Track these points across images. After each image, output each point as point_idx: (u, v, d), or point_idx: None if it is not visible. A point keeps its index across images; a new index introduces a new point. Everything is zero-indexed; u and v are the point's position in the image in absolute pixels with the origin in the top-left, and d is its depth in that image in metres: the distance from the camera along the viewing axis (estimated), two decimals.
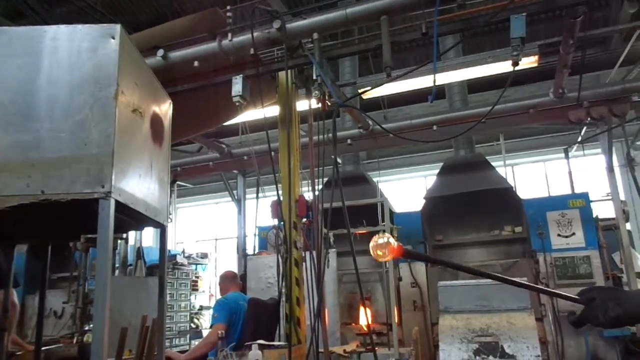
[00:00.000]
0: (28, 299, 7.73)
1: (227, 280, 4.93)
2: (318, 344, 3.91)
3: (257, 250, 7.90)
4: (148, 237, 10.33)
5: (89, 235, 5.52)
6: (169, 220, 7.90)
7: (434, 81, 3.64)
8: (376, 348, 4.12)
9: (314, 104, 4.38)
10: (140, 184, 1.91)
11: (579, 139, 7.85)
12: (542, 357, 4.24)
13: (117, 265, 8.40)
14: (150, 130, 2.00)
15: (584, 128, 7.66)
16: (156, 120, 2.07)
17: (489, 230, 7.34)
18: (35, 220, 1.96)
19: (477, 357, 4.20)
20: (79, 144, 1.63)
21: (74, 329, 6.62)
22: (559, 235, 6.78)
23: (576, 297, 1.40)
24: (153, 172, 2.07)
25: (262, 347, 3.49)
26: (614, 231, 6.82)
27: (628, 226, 7.06)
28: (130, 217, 1.97)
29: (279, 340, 4.38)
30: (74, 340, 6.19)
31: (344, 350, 4.24)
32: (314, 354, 3.89)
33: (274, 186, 4.53)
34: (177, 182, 10.77)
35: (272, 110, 5.06)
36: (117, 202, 1.71)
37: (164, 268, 2.29)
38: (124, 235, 8.09)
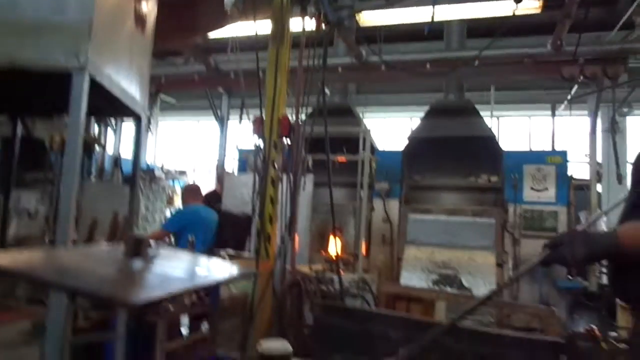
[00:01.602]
0: None
1: (189, 192, 4.93)
2: (285, 259, 4.01)
3: (237, 172, 7.92)
4: (127, 149, 10.20)
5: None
6: (149, 131, 7.81)
7: (433, 9, 3.55)
8: (341, 271, 4.26)
9: (308, 22, 4.25)
10: (117, 66, 1.86)
11: (569, 97, 7.86)
12: (497, 297, 4.44)
13: (93, 172, 8.36)
14: (133, 11, 1.92)
15: (575, 87, 7.65)
16: (139, 2, 1.98)
17: (466, 176, 7.44)
18: (6, 92, 1.90)
19: (436, 287, 4.39)
20: (56, 10, 1.55)
21: (47, 228, 6.67)
22: (532, 188, 6.94)
23: (543, 257, 1.44)
24: (133, 58, 2.01)
25: (230, 255, 3.58)
26: (585, 191, 7.01)
27: (599, 188, 7.24)
28: (106, 101, 1.92)
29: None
30: (46, 240, 6.24)
31: (310, 268, 4.37)
32: (281, 268, 4.00)
33: (259, 108, 4.47)
34: (160, 97, 10.55)
35: (263, 28, 4.88)
36: (93, 81, 1.66)
37: (138, 161, 2.28)
38: (102, 141, 8.01)
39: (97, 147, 7.65)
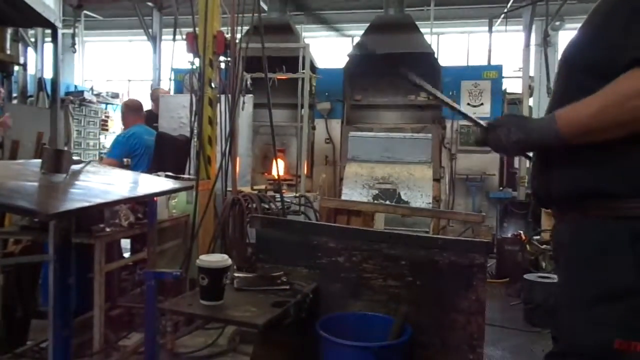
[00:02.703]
0: None
1: (131, 110, 4.65)
2: (226, 179, 3.99)
3: (172, 93, 7.58)
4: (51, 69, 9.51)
5: None
6: (74, 50, 7.26)
7: None
8: (284, 191, 4.30)
9: None
10: None
11: (505, 10, 7.92)
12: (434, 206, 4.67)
13: (15, 94, 7.76)
14: None
15: (511, 1, 7.70)
16: None
17: (406, 94, 7.50)
18: None
19: (376, 201, 4.54)
20: None
21: None
22: (468, 104, 7.10)
23: (483, 123, 1.38)
24: None
25: (168, 177, 3.50)
26: (517, 105, 7.28)
27: (531, 102, 7.53)
28: (12, 7, 1.73)
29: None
30: None
31: (252, 189, 4.37)
32: (222, 188, 3.98)
33: (192, 25, 4.23)
34: (85, 12, 9.70)
35: None
36: None
37: (58, 76, 2.11)
38: (21, 60, 7.37)
39: (16, 68, 7.03)
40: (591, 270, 1.21)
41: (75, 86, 9.83)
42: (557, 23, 8.93)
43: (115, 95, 10.29)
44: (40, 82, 8.07)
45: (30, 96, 8.28)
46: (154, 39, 9.15)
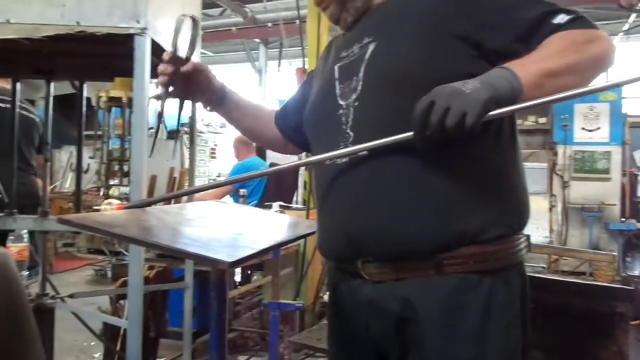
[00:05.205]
0: (55, 153, 8.03)
1: (242, 144, 4.91)
2: None
3: None
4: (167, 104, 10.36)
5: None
6: None
7: None
8: None
9: None
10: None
11: (626, 27, 7.37)
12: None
13: None
14: None
15: (633, 15, 7.15)
16: None
17: None
18: (70, 56, 1.94)
19: None
20: None
21: (100, 184, 6.99)
22: (583, 128, 6.67)
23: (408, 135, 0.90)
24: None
25: (281, 207, 3.65)
26: None
27: None
28: (158, 59, 1.93)
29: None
30: (100, 193, 6.55)
31: None
32: None
33: (295, 58, 4.43)
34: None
35: None
36: (153, 43, 1.68)
37: (194, 116, 2.32)
38: None
39: None
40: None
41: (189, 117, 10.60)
42: None
43: (223, 125, 10.93)
44: (160, 115, 8.81)
45: (151, 128, 9.08)
46: (260, 72, 9.67)
